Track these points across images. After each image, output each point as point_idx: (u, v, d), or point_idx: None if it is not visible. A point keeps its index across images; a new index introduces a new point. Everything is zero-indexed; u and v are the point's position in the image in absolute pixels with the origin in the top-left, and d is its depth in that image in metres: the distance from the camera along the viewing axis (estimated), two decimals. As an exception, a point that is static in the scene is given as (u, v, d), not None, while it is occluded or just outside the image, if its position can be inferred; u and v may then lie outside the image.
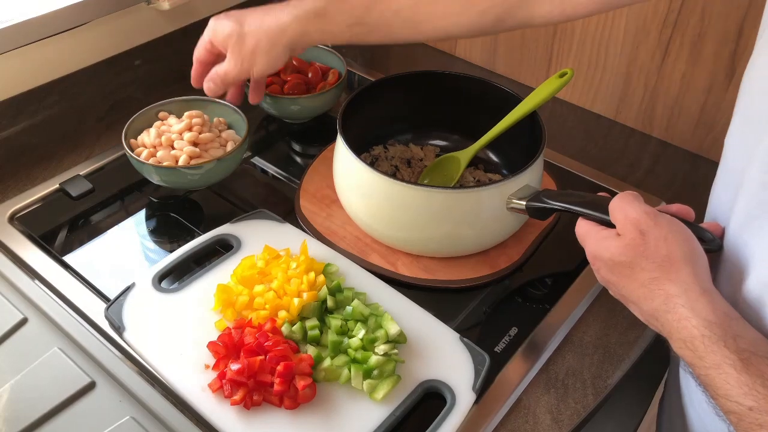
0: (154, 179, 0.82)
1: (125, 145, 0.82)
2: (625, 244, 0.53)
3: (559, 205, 0.66)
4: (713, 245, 0.55)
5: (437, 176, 0.86)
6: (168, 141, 0.83)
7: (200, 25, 1.06)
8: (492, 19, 0.72)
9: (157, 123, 0.86)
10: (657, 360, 0.81)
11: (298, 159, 0.98)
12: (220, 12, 1.07)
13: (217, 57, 0.78)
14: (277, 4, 0.74)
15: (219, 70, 0.77)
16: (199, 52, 0.79)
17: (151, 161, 0.80)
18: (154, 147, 0.83)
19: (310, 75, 0.98)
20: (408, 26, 0.73)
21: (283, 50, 0.74)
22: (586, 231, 0.58)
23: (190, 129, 0.84)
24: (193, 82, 0.81)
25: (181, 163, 0.80)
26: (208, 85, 0.79)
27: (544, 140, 0.76)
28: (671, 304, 0.50)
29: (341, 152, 0.78)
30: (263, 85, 0.86)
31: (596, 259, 0.56)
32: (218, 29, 0.75)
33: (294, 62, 0.99)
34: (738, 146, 0.56)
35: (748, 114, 0.54)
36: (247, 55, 0.74)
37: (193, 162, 0.80)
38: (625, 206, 0.54)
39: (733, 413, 0.46)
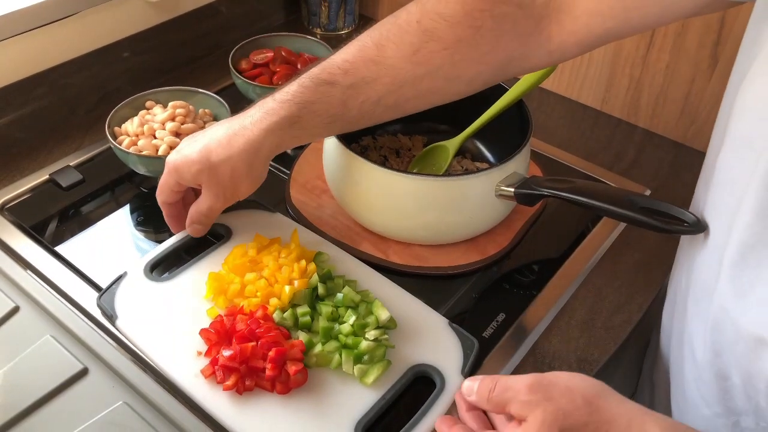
0: (138, 168, 0.82)
1: (108, 133, 0.82)
2: (542, 420, 0.49)
3: (547, 191, 0.67)
4: (698, 228, 0.56)
5: (426, 166, 0.87)
6: (150, 130, 0.83)
7: (189, 16, 1.07)
8: (480, 84, 0.67)
9: (142, 112, 0.87)
10: (641, 343, 0.82)
11: (288, 149, 0.98)
12: (207, 3, 1.08)
13: (186, 193, 0.74)
14: (236, 117, 0.69)
15: (201, 208, 0.70)
16: (165, 195, 0.71)
17: (131, 150, 0.81)
18: (137, 136, 0.83)
19: (299, 66, 0.99)
20: (392, 111, 0.68)
21: (263, 165, 0.69)
22: None
23: (173, 119, 0.84)
24: (174, 229, 0.75)
25: (161, 152, 0.80)
26: (195, 228, 0.72)
27: (531, 127, 0.77)
28: None
29: (330, 142, 0.78)
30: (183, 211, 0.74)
31: None
32: (183, 171, 0.67)
33: (283, 53, 1.00)
34: (734, 166, 0.53)
35: (744, 134, 0.51)
36: (227, 184, 0.68)
37: None
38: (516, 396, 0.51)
39: None
